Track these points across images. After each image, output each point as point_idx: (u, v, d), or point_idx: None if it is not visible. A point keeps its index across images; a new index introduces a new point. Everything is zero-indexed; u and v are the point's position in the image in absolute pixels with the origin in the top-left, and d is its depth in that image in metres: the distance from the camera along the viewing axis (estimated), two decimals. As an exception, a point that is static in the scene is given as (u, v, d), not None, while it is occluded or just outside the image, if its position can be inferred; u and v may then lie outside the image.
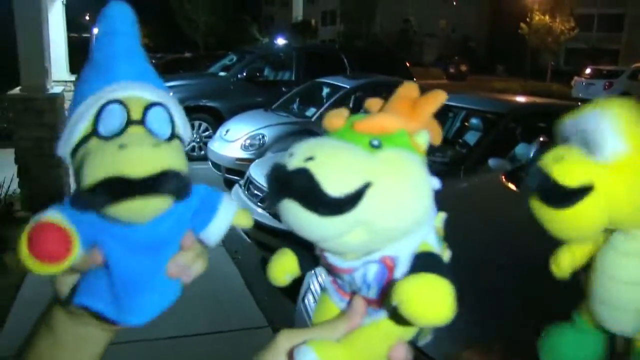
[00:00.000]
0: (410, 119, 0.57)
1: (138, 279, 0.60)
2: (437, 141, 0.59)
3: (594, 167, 0.62)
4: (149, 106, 0.60)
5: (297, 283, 3.36)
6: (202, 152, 9.38)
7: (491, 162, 4.61)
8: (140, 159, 0.54)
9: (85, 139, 0.57)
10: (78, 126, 0.58)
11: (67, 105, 8.30)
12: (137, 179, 0.52)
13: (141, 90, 0.60)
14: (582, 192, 0.61)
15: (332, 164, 0.50)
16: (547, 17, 39.92)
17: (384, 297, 0.54)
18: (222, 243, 5.52)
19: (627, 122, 0.62)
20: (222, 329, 4.03)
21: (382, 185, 0.50)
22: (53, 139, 4.95)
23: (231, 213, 0.64)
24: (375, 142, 0.53)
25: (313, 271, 3.09)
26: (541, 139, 4.57)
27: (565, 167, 0.63)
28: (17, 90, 6.60)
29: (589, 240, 0.66)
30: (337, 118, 0.56)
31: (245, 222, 0.66)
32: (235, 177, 6.88)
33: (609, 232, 0.64)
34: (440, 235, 0.57)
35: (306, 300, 3.00)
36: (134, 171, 0.52)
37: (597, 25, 48.50)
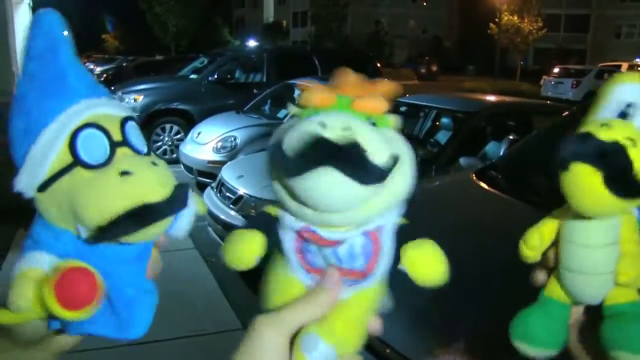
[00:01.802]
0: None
1: (132, 291, 0.59)
2: None
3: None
4: (123, 123, 0.58)
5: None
6: (174, 155, 9.30)
7: (462, 160, 4.65)
8: (156, 182, 0.54)
9: (64, 171, 0.54)
10: (48, 157, 0.54)
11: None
12: (160, 202, 0.53)
13: (105, 106, 0.58)
14: None
15: (369, 135, 0.51)
16: (515, 18, 40.52)
17: (372, 267, 0.56)
18: (195, 246, 5.50)
19: None
20: (195, 333, 3.99)
21: (403, 157, 0.54)
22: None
23: (194, 204, 0.64)
24: (372, 122, 0.55)
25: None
26: (511, 137, 4.63)
27: (618, 130, 0.60)
28: (-18, 94, 6.49)
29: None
30: (325, 94, 0.55)
31: (201, 208, 0.65)
32: (208, 180, 6.84)
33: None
34: None
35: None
36: (156, 196, 0.53)
37: (564, 26, 49.34)
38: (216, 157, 7.38)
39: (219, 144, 7.54)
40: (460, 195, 3.25)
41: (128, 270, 0.59)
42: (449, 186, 3.61)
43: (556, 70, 27.98)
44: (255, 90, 10.33)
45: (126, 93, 9.77)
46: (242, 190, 4.96)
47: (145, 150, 0.59)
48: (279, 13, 58.73)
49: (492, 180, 3.18)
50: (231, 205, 4.97)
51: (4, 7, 6.31)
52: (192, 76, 11.52)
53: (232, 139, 7.55)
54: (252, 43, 38.16)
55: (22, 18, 9.72)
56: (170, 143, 9.79)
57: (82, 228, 0.54)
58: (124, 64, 22.64)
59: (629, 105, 0.62)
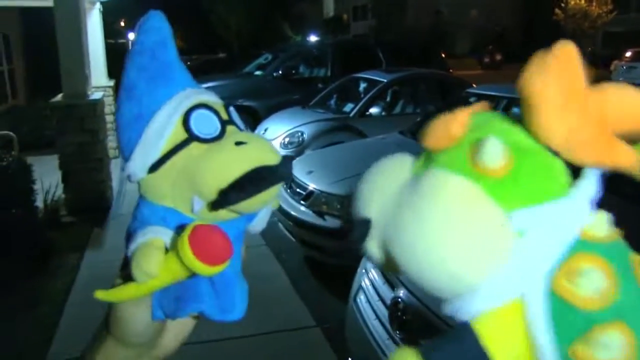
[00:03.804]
0: None
1: (232, 274, 0.61)
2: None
3: None
4: (226, 107, 0.63)
5: (345, 280, 3.31)
6: (241, 152, 9.40)
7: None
8: (269, 149, 0.58)
9: (179, 147, 0.57)
10: (163, 136, 0.58)
11: (106, 110, 8.42)
12: (275, 165, 0.57)
13: (207, 94, 0.62)
14: None
15: None
16: (583, 1, 39.09)
17: None
18: (266, 242, 5.53)
19: None
20: (268, 330, 4.00)
21: None
22: (95, 144, 5.02)
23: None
24: None
25: (364, 269, 3.04)
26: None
27: None
28: (59, 97, 6.70)
29: None
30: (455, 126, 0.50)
31: (274, 203, 0.66)
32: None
33: None
34: None
35: (358, 299, 2.94)
36: (272, 159, 0.57)
37: (636, 6, 47.09)
38: (284, 153, 7.38)
39: (287, 140, 7.55)
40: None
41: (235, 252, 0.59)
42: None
43: (628, 54, 26.81)
44: (319, 85, 10.34)
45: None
46: (312, 186, 4.93)
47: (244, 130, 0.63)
48: (338, 7, 58.65)
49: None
50: (302, 202, 4.96)
51: (78, 13, 6.48)
52: (257, 73, 11.62)
53: (300, 134, 7.55)
54: (313, 38, 38.24)
55: (93, 23, 10.01)
56: (237, 140, 9.88)
57: (200, 199, 0.56)
58: (188, 63, 23.11)
59: None
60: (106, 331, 0.63)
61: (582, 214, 0.46)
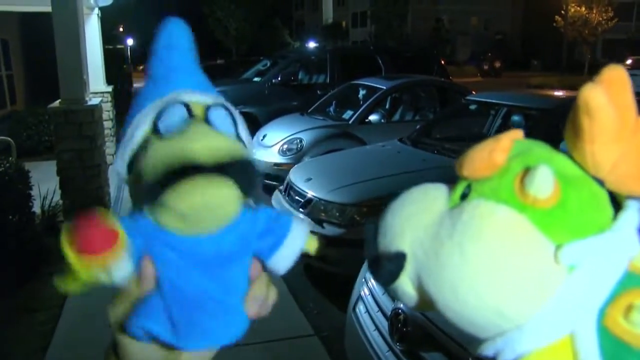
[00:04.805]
0: None
1: (198, 298, 0.56)
2: None
3: None
4: (209, 107, 0.60)
5: (344, 289, 3.28)
6: (240, 158, 9.38)
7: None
8: (208, 145, 0.52)
9: (145, 142, 0.56)
10: (136, 134, 0.58)
11: (104, 115, 8.40)
12: (206, 164, 0.51)
13: (199, 95, 0.61)
14: None
15: None
16: (583, 9, 39.14)
17: None
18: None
19: None
20: (266, 339, 3.95)
21: None
22: (93, 150, 4.98)
23: (303, 238, 0.62)
24: None
25: (363, 279, 3.00)
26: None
27: None
28: (57, 103, 6.68)
29: None
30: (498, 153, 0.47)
31: (311, 247, 0.64)
32: (274, 183, 6.83)
33: None
34: None
35: (357, 310, 2.91)
36: (199, 155, 0.51)
37: (637, 14, 47.15)
38: (282, 160, 7.38)
39: (285, 147, 7.53)
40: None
41: (192, 271, 0.56)
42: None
43: (629, 61, 26.86)
44: (319, 92, 10.34)
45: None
46: (310, 193, 4.90)
47: (231, 133, 0.60)
48: (338, 14, 58.78)
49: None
50: (300, 209, 4.93)
51: (76, 19, 6.47)
52: (256, 79, 11.61)
53: (298, 141, 7.53)
54: (312, 44, 38.31)
55: (91, 29, 9.99)
56: (235, 146, 9.88)
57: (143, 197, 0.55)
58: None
59: None
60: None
61: (631, 245, 0.44)
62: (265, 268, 0.63)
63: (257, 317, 0.60)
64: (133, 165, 0.57)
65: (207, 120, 0.58)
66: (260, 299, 0.60)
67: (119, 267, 0.53)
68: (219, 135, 0.55)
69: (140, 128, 0.57)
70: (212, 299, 0.57)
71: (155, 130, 0.56)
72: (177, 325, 0.56)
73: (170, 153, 0.51)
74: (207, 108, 0.59)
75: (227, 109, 0.62)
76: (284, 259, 0.61)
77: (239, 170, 0.53)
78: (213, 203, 0.52)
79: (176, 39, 0.62)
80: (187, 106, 0.58)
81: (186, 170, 0.50)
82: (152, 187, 0.51)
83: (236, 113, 0.64)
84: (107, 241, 0.51)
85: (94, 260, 0.51)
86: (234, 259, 0.58)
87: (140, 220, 0.55)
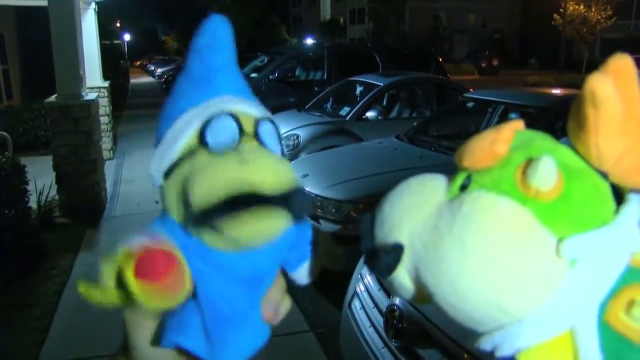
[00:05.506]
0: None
1: (233, 314, 0.55)
2: None
3: None
4: (258, 121, 0.57)
5: (340, 285, 3.28)
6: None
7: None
8: (274, 175, 0.50)
9: (189, 154, 0.53)
10: (179, 141, 0.54)
11: (101, 111, 8.38)
12: (269, 194, 0.49)
13: (246, 105, 0.58)
14: None
15: None
16: (581, 7, 39.14)
17: None
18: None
19: None
20: (263, 334, 3.96)
21: None
22: (89, 145, 4.98)
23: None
24: None
25: (359, 275, 3.01)
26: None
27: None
28: (53, 98, 6.66)
29: None
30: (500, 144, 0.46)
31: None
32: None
33: None
34: None
35: (353, 306, 2.91)
36: (266, 186, 0.49)
37: (635, 12, 47.07)
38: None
39: (282, 143, 7.51)
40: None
41: (230, 288, 0.54)
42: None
43: (627, 61, 26.89)
44: (316, 88, 10.32)
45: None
46: (307, 190, 4.90)
47: (277, 153, 0.56)
48: (335, 10, 58.68)
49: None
50: (297, 206, 4.92)
51: (72, 13, 6.45)
52: (253, 75, 11.59)
53: (295, 137, 7.52)
54: (309, 41, 38.28)
55: (88, 24, 9.96)
56: (232, 143, 9.88)
57: (188, 215, 0.51)
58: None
59: None
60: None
61: (633, 240, 0.43)
62: (286, 278, 0.61)
63: (270, 322, 0.58)
64: (171, 171, 0.54)
65: (256, 135, 0.56)
66: (275, 302, 0.58)
67: (182, 291, 0.50)
68: (279, 162, 0.52)
69: (183, 135, 0.54)
70: (242, 312, 0.56)
71: (202, 141, 0.53)
72: (212, 339, 0.54)
73: (232, 179, 0.48)
74: (257, 123, 0.57)
75: (273, 122, 0.59)
76: (306, 273, 0.61)
77: (298, 201, 0.51)
78: (269, 233, 0.50)
79: (220, 37, 0.60)
80: (236, 118, 0.55)
81: (248, 200, 0.48)
82: (206, 211, 0.49)
83: (278, 127, 0.61)
84: (170, 265, 0.49)
85: (157, 287, 0.48)
86: (267, 276, 0.58)
87: (177, 231, 0.52)
